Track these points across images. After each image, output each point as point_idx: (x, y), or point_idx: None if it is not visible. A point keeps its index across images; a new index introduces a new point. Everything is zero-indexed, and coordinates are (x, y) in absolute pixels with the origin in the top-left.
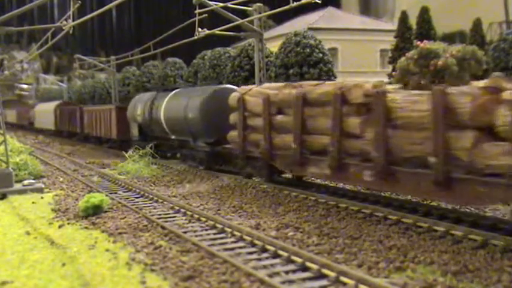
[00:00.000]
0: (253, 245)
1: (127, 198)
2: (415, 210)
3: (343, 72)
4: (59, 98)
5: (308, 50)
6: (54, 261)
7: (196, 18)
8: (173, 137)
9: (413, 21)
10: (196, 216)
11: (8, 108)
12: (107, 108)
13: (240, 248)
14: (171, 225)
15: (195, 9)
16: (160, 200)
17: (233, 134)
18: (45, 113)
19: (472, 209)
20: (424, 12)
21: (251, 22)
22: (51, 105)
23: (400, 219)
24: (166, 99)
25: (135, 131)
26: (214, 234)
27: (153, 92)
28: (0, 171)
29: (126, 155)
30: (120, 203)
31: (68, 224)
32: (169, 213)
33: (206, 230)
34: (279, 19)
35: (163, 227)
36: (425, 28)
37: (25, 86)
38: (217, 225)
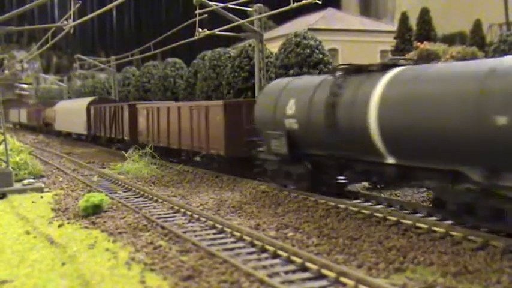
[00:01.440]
0: (253, 245)
1: (127, 198)
2: (414, 212)
3: None
4: (59, 98)
5: (308, 50)
6: (54, 261)
7: (197, 19)
8: (392, 160)
9: (413, 22)
10: (196, 216)
11: (12, 107)
12: (198, 105)
13: (240, 248)
14: (170, 225)
15: (195, 10)
16: (160, 200)
17: None
18: (71, 113)
19: None
20: (424, 13)
21: (251, 23)
22: (81, 103)
23: (400, 220)
24: (379, 88)
25: (277, 145)
26: (214, 234)
27: (323, 76)
28: (0, 171)
29: (126, 155)
30: (120, 202)
31: (68, 223)
32: (169, 213)
33: (206, 230)
34: (279, 20)
35: (163, 227)
36: (426, 29)
37: (25, 86)
38: (217, 225)
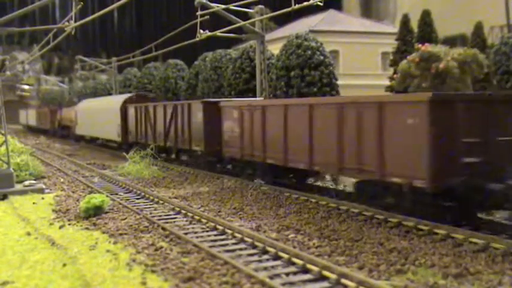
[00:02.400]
0: (254, 246)
1: (128, 200)
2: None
3: (344, 74)
4: (60, 99)
5: (309, 52)
6: (55, 262)
7: (198, 20)
8: None
9: (414, 24)
10: (197, 217)
11: (20, 108)
12: (355, 102)
13: (241, 249)
14: (171, 226)
15: (197, 11)
16: (161, 202)
17: None
18: (99, 114)
19: None
20: (426, 15)
21: (253, 24)
22: (112, 101)
23: (401, 222)
24: None
25: None
26: (215, 235)
27: None
28: (1, 172)
29: (127, 156)
30: (121, 204)
31: (69, 224)
32: (170, 215)
33: (207, 231)
34: (281, 21)
35: (164, 228)
36: (427, 31)
37: (26, 87)
38: (218, 226)
